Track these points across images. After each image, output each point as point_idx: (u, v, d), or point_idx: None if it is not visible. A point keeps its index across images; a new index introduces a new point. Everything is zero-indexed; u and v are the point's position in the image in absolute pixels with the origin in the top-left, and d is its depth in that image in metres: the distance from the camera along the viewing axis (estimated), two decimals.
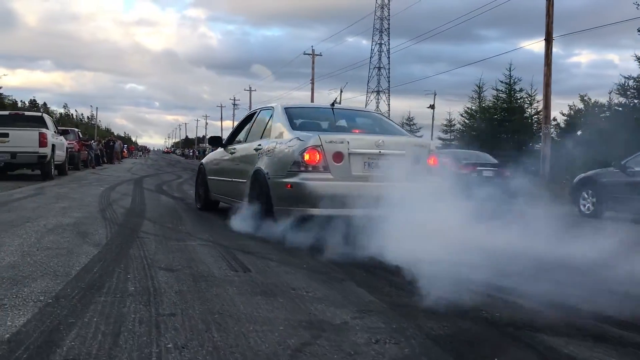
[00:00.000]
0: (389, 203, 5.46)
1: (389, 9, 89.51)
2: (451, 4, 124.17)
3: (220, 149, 8.75)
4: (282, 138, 6.46)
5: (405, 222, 5.12)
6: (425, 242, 4.94)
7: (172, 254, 5.18)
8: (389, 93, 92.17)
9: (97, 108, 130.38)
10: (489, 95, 30.86)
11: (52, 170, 16.40)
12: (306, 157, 5.84)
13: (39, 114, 17.46)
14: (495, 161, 18.44)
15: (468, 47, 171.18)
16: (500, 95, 29.22)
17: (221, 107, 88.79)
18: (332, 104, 7.13)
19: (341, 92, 61.49)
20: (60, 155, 18.10)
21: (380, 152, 5.96)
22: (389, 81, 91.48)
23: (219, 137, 9.79)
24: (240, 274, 4.44)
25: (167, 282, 4.06)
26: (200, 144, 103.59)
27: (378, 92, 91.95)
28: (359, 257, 5.02)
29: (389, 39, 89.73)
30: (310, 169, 5.85)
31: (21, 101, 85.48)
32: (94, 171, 23.65)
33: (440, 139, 34.18)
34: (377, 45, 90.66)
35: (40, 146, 15.51)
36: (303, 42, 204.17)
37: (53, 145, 16.41)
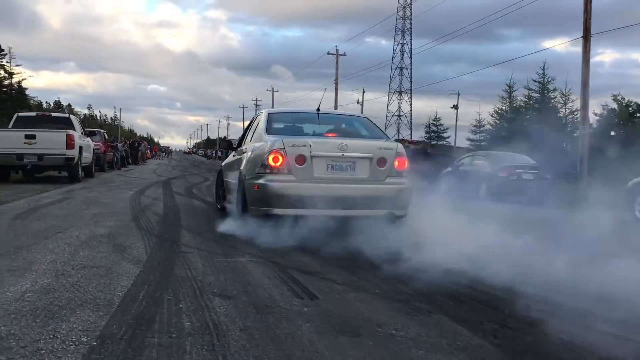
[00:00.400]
0: (353, 204, 5.89)
1: (411, 9, 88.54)
2: (471, 3, 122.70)
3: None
4: (259, 142, 6.74)
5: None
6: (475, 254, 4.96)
7: (222, 275, 4.55)
8: (411, 93, 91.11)
9: (120, 109, 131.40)
10: (519, 94, 29.89)
11: (79, 172, 15.97)
12: (270, 159, 6.07)
13: (66, 115, 17.08)
14: (535, 163, 17.58)
15: (489, 47, 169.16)
16: (533, 94, 28.28)
17: (243, 107, 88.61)
18: (318, 109, 7.16)
19: (363, 92, 60.99)
20: (87, 157, 17.68)
21: (343, 155, 6.09)
22: (411, 81, 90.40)
23: (229, 140, 9.63)
24: (307, 303, 3.79)
25: (227, 314, 3.43)
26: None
27: (400, 93, 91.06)
28: (428, 275, 4.47)
29: (411, 39, 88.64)
30: (274, 171, 6.06)
31: (46, 102, 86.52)
32: (119, 173, 23.26)
33: (469, 139, 33.31)
34: (400, 45, 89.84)
35: (67, 148, 15.07)
36: (323, 43, 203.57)
37: (80, 147, 15.97)
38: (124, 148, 31.37)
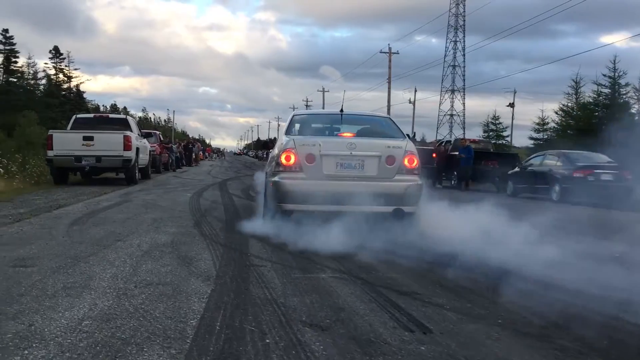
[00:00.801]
0: (361, 200, 5.91)
1: (464, 6, 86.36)
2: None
3: None
4: (279, 142, 6.99)
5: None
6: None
7: (306, 296, 3.86)
8: (464, 92, 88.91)
9: (174, 111, 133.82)
10: (586, 90, 28.19)
11: (136, 174, 15.73)
12: (283, 158, 6.29)
13: (123, 116, 16.87)
14: (613, 162, 16.19)
15: (543, 43, 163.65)
16: (603, 90, 26.58)
17: (293, 108, 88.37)
18: (341, 110, 7.25)
19: (415, 91, 59.59)
20: (144, 158, 17.46)
21: (351, 153, 6.23)
22: (464, 80, 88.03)
23: (264, 140, 9.37)
24: (420, 338, 3.04)
25: (327, 355, 2.72)
26: None
27: (453, 91, 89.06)
28: (556, 298, 3.74)
29: (464, 36, 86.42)
30: (286, 169, 6.27)
31: (103, 105, 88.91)
32: (175, 174, 23.10)
33: (532, 138, 31.73)
34: (452, 43, 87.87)
35: (124, 149, 14.82)
36: (372, 43, 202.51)
37: (137, 149, 15.72)
38: (179, 149, 31.38)
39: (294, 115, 7.78)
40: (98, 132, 14.85)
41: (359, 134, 6.98)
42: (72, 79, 43.55)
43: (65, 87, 42.14)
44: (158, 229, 6.80)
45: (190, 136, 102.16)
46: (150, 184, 15.74)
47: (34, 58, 38.66)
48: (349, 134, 6.88)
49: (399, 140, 6.61)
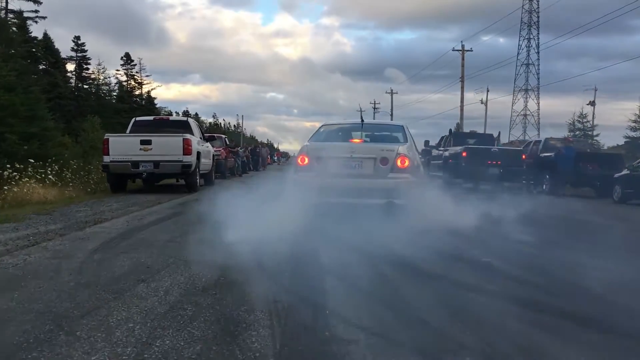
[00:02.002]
0: (360, 194, 7.14)
1: (538, 1, 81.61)
2: None
3: None
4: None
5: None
6: None
7: None
8: (538, 91, 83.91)
9: (242, 116, 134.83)
10: None
11: (198, 180, 14.19)
12: (299, 160, 7.70)
13: (184, 118, 15.42)
14: None
15: (618, 40, 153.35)
16: None
17: (360, 111, 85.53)
18: (362, 120, 8.37)
19: (487, 92, 56.21)
20: (207, 163, 15.95)
21: (351, 156, 7.38)
22: (538, 78, 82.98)
23: None
24: None
25: None
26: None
27: (526, 91, 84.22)
28: None
29: (538, 33, 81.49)
30: (301, 169, 7.59)
31: (175, 112, 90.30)
32: (241, 179, 21.59)
33: (627, 137, 28.22)
34: (525, 41, 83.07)
35: (184, 154, 13.30)
36: (436, 44, 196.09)
37: (198, 153, 14.19)
38: (245, 154, 30.06)
39: (322, 125, 9.08)
40: (156, 136, 13.41)
41: (367, 140, 8.19)
42: (143, 86, 43.42)
43: (136, 93, 41.99)
44: (202, 259, 4.95)
45: (259, 140, 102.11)
46: (212, 191, 14.09)
47: (104, 64, 38.31)
48: (357, 140, 8.09)
49: (394, 145, 7.63)
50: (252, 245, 5.43)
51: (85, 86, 33.49)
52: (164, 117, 16.08)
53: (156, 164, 13.11)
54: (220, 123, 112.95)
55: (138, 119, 15.21)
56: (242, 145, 35.19)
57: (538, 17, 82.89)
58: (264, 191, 13.12)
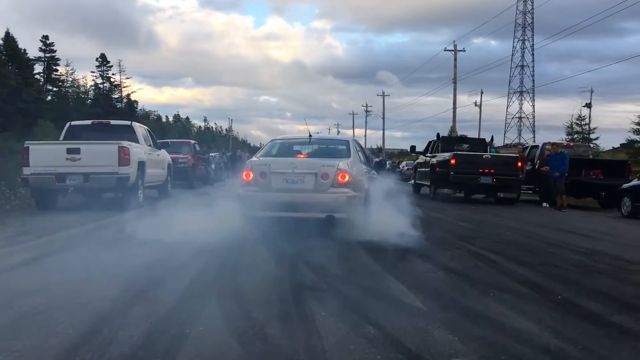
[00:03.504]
0: (301, 208, 7.47)
1: (532, 2, 79.71)
2: None
3: None
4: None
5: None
6: None
7: None
8: (533, 93, 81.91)
9: (231, 120, 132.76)
10: None
11: (140, 195, 12.06)
12: (244, 175, 7.92)
13: (127, 122, 13.27)
14: None
15: (607, 42, 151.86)
16: None
17: (353, 114, 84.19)
18: (310, 136, 8.99)
19: (482, 94, 54.32)
20: (157, 174, 13.83)
21: (293, 171, 7.66)
22: (533, 80, 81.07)
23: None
24: None
25: None
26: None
27: (521, 93, 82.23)
28: None
29: (532, 35, 79.62)
30: (246, 184, 7.82)
31: (165, 116, 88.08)
32: (207, 190, 19.41)
33: (630, 140, 26.20)
34: (520, 42, 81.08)
35: (120, 165, 11.18)
36: (428, 47, 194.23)
37: (141, 163, 12.09)
38: (222, 160, 27.94)
39: (271, 140, 9.41)
40: (86, 144, 11.29)
41: (311, 155, 8.64)
42: (123, 89, 41.32)
43: (115, 96, 39.90)
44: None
45: (252, 145, 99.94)
46: (157, 207, 11.85)
47: (73, 64, 35.92)
48: (302, 156, 8.57)
49: (336, 160, 7.85)
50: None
51: (55, 89, 31.27)
52: (104, 121, 13.84)
53: (86, 176, 10.99)
54: (212, 127, 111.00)
55: (74, 123, 13.07)
56: (222, 150, 32.97)
57: (532, 18, 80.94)
58: (218, 205, 10.92)
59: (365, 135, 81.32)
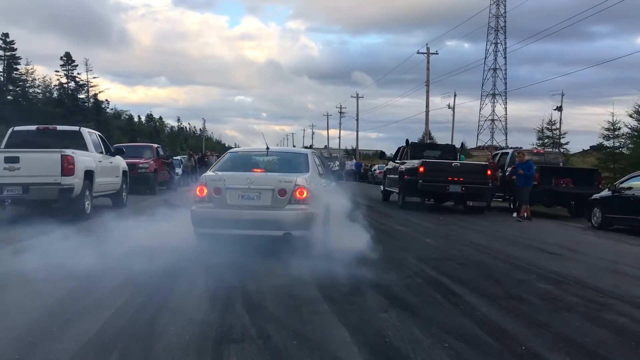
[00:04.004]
0: (257, 226, 7.13)
1: (505, 6, 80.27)
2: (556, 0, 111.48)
3: None
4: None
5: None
6: None
7: None
8: (506, 96, 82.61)
9: (204, 120, 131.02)
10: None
11: (87, 206, 11.20)
12: (197, 191, 7.55)
13: (76, 128, 12.35)
14: None
15: (577, 46, 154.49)
16: None
17: (327, 115, 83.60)
18: (267, 149, 8.51)
19: (455, 96, 54.20)
20: (109, 182, 12.98)
21: (249, 187, 7.33)
22: (505, 83, 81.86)
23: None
24: None
25: None
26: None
27: (494, 95, 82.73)
28: None
29: (505, 38, 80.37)
30: (200, 200, 7.46)
31: (138, 116, 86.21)
32: (168, 196, 18.55)
33: (601, 147, 26.03)
34: (493, 45, 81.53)
35: (63, 174, 10.38)
36: (402, 49, 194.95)
37: (89, 172, 11.25)
38: (190, 164, 27.04)
39: (227, 153, 9.21)
40: (25, 152, 10.43)
41: (269, 169, 8.09)
42: (91, 88, 39.91)
43: (81, 96, 38.49)
44: None
45: (227, 145, 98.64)
46: (95, 224, 10.86)
47: (33, 64, 34.19)
48: (258, 170, 8.01)
49: (293, 175, 7.50)
50: None
51: (16, 89, 29.91)
52: (50, 126, 12.90)
53: (25, 188, 10.18)
54: (185, 127, 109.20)
55: (17, 128, 12.14)
56: (189, 152, 31.97)
57: (505, 21, 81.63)
58: (171, 217, 10.15)
59: (339, 137, 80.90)
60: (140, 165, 18.85)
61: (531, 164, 14.74)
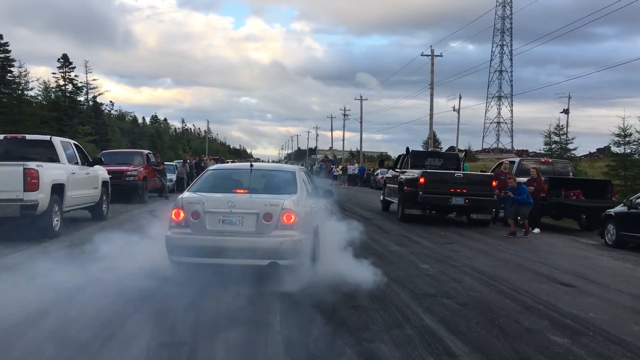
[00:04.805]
0: (240, 254, 6.32)
1: (511, 7, 78.83)
2: (560, 3, 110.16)
3: None
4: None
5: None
6: None
7: None
8: (511, 98, 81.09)
9: (208, 121, 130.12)
10: None
11: (55, 223, 10.20)
12: (173, 214, 6.76)
13: (47, 137, 11.34)
14: None
15: (581, 47, 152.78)
16: None
17: (331, 117, 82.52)
18: (251, 165, 7.87)
19: (460, 98, 52.99)
20: (84, 195, 11.99)
21: (231, 211, 6.56)
22: (511, 85, 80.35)
23: None
24: None
25: None
26: (312, 155, 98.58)
27: (500, 98, 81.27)
28: None
29: (511, 40, 78.83)
30: (176, 224, 6.72)
31: (142, 117, 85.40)
32: (160, 206, 17.53)
33: (609, 150, 24.81)
34: (499, 47, 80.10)
35: (26, 189, 9.38)
36: (407, 51, 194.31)
37: (58, 186, 10.26)
38: (184, 170, 26.06)
39: (207, 170, 8.37)
40: None
41: (253, 190, 7.19)
42: (90, 90, 39.01)
43: (80, 99, 37.58)
44: None
45: (232, 146, 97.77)
46: (61, 245, 9.81)
47: (25, 65, 33.12)
48: (242, 191, 7.17)
49: (280, 198, 6.76)
50: None
51: (9, 91, 29.03)
52: (18, 135, 11.91)
53: None
54: (190, 128, 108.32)
55: None
56: (186, 157, 30.95)
57: (511, 23, 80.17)
58: (150, 234, 9.06)
59: (343, 140, 79.84)
60: (129, 172, 17.92)
61: (524, 189, 13.31)
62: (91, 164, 12.70)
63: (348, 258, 7.73)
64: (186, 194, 7.19)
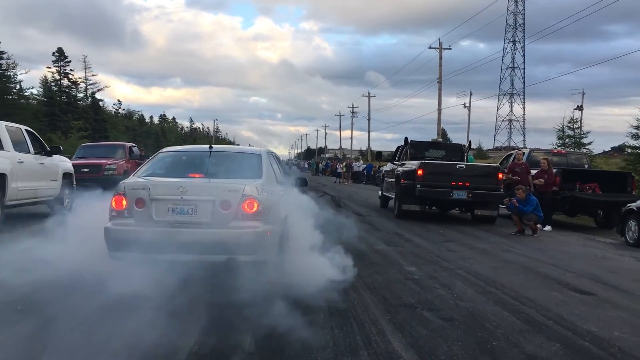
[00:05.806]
0: (192, 249, 5.31)
1: (523, 3, 76.83)
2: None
3: None
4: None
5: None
6: None
7: None
8: (524, 95, 79.21)
9: (215, 120, 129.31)
10: None
11: None
12: (113, 203, 5.75)
13: None
14: None
15: (593, 46, 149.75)
16: None
17: (339, 115, 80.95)
18: (210, 147, 6.76)
19: (470, 95, 51.31)
20: (37, 187, 10.65)
21: (182, 198, 5.59)
22: (524, 82, 78.39)
23: None
24: None
25: None
26: (321, 155, 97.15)
27: (512, 95, 79.34)
28: None
29: (524, 36, 76.77)
30: (117, 214, 5.71)
31: (150, 116, 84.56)
32: None
33: (627, 147, 23.16)
34: (511, 43, 78.08)
35: None
36: (415, 49, 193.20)
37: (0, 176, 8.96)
38: None
39: (158, 153, 7.15)
40: None
41: (210, 174, 6.19)
42: (89, 86, 37.92)
43: (79, 95, 36.47)
44: None
45: (237, 145, 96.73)
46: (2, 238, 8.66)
47: (13, 58, 31.78)
48: (197, 175, 6.21)
49: (241, 183, 5.74)
50: None
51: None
52: None
53: None
54: (199, 127, 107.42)
55: None
56: None
57: (523, 19, 78.17)
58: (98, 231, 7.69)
59: (351, 137, 78.35)
60: (107, 166, 16.64)
61: (532, 200, 11.65)
62: (49, 154, 11.39)
63: (318, 258, 6.31)
64: (130, 179, 6.12)
